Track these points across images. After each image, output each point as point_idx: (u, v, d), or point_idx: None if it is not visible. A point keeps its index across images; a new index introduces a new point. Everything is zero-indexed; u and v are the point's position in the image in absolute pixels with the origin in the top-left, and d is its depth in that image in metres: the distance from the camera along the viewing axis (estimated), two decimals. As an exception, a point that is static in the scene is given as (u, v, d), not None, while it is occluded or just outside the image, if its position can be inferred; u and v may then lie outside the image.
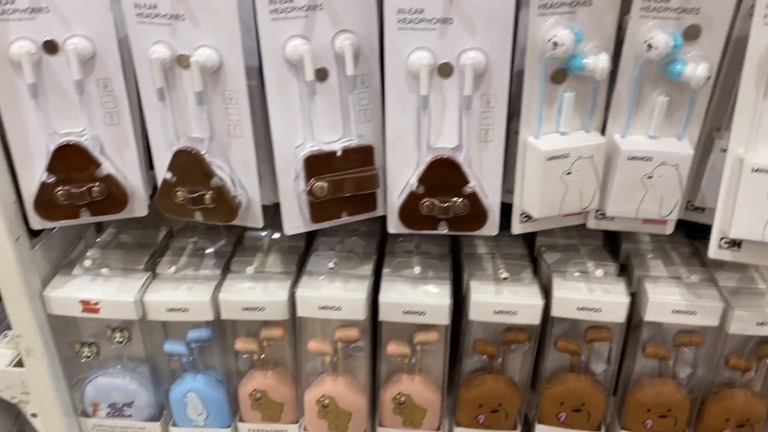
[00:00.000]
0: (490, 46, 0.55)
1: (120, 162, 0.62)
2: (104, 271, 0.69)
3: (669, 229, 0.63)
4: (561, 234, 0.75)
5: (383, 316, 0.66)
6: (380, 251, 0.73)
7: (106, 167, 0.61)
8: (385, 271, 0.69)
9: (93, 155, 0.61)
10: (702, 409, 0.71)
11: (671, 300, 0.65)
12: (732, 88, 0.57)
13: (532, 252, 0.74)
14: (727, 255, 0.59)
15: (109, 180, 0.62)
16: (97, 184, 0.61)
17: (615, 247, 0.74)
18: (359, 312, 0.66)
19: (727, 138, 0.56)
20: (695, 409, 0.71)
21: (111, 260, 0.71)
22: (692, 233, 0.74)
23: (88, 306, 0.67)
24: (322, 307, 0.66)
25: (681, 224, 0.66)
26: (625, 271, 0.71)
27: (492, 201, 0.62)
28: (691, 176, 0.62)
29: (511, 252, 0.72)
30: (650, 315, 0.66)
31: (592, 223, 0.64)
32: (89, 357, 0.71)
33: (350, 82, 0.58)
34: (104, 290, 0.67)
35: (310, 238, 0.75)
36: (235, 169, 0.61)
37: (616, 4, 0.54)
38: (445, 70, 0.56)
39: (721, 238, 0.58)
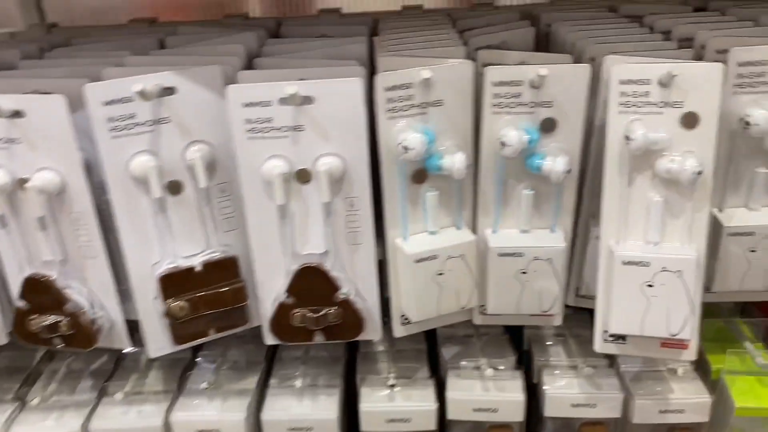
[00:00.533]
0: (345, 150, 0.53)
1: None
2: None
3: (557, 321, 0.60)
4: (460, 323, 0.72)
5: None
6: (271, 358, 0.69)
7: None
8: (272, 381, 0.65)
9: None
10: (619, 502, 0.67)
11: (570, 394, 0.62)
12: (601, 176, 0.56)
13: (434, 344, 0.70)
14: (613, 349, 0.56)
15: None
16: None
17: (518, 333, 0.71)
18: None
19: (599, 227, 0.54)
20: (612, 503, 0.67)
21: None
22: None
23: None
24: (200, 431, 0.61)
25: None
26: (527, 356, 0.68)
27: (371, 304, 0.58)
28: (576, 263, 0.60)
29: (408, 348, 0.69)
30: (549, 411, 0.63)
31: (477, 319, 0.61)
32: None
33: (205, 194, 0.55)
34: (-38, 428, 0.62)
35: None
36: (93, 290, 0.57)
37: (469, 102, 0.53)
38: (303, 176, 0.54)
39: (605, 331, 0.55)
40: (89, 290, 0.57)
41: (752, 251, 0.56)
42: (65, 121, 0.51)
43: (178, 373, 0.67)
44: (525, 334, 0.71)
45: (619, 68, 0.50)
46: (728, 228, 0.55)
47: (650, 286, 0.51)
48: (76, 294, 0.57)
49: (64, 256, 0.56)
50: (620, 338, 0.55)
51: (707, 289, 0.59)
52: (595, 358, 0.65)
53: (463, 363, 0.65)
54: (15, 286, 0.58)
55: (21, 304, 0.57)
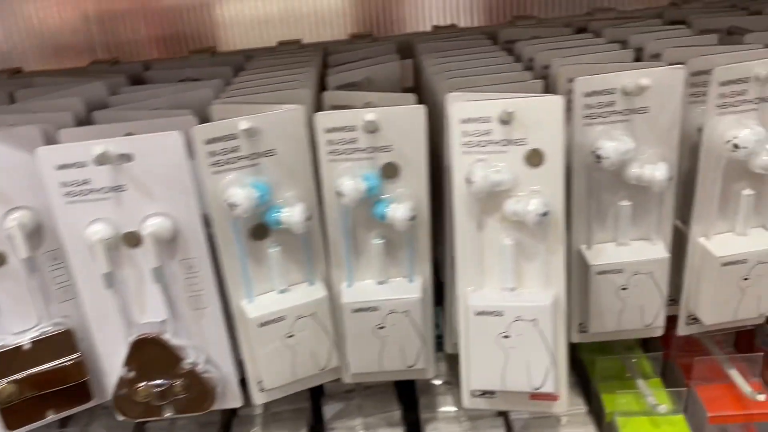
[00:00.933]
0: (174, 208, 0.49)
1: None
2: None
3: (428, 374, 0.56)
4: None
5: None
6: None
7: None
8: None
9: None
10: None
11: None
12: (457, 218, 0.52)
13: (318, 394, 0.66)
14: (482, 404, 0.52)
15: None
16: None
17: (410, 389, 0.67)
18: None
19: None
20: None
21: None
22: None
23: None
24: None
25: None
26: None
27: (226, 371, 0.54)
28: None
29: (287, 409, 0.64)
30: (433, 469, 0.59)
31: (347, 377, 0.56)
32: None
33: (31, 264, 0.51)
34: None
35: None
36: None
37: (306, 150, 0.49)
38: (131, 240, 0.49)
39: (471, 390, 0.51)
40: None
41: (624, 289, 0.53)
42: None
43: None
44: (416, 383, 0.67)
45: (458, 107, 0.47)
46: (595, 266, 0.52)
47: (506, 336, 0.48)
48: None
49: None
50: (488, 392, 0.51)
51: (585, 329, 0.56)
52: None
53: (342, 423, 0.61)
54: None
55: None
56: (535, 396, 0.51)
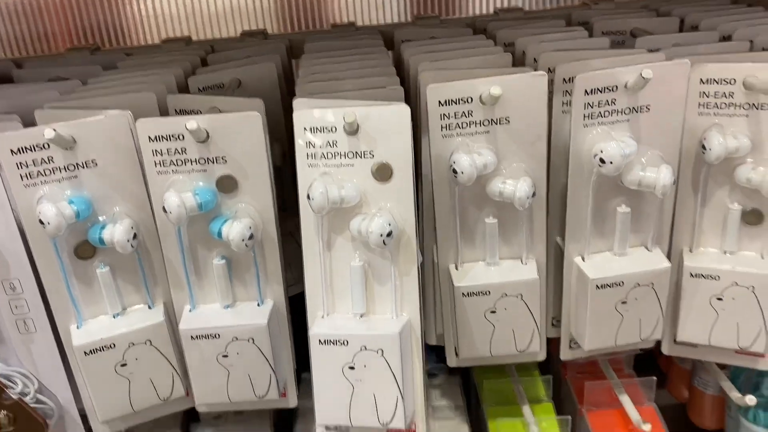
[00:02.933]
0: (-14, 225, 0.44)
1: None
2: None
3: (291, 403, 0.51)
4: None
5: None
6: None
7: None
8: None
9: None
10: None
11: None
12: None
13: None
14: (337, 437, 0.48)
15: None
16: None
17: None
18: None
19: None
20: None
21: None
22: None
23: None
24: None
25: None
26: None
27: (63, 401, 0.49)
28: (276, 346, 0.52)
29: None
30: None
31: (201, 407, 0.52)
32: None
33: None
34: None
35: None
36: None
37: (133, 161, 0.44)
38: (-59, 259, 0.45)
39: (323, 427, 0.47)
40: None
41: (492, 312, 0.48)
42: None
43: None
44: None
45: (301, 114, 0.43)
46: (461, 287, 0.48)
47: (351, 368, 0.44)
48: None
49: None
50: (340, 428, 0.47)
51: (458, 353, 0.52)
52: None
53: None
54: None
55: None
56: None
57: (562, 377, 0.64)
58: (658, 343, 0.54)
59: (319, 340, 0.44)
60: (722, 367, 0.59)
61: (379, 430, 0.45)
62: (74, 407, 0.50)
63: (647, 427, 0.53)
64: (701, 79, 0.46)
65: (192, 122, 0.41)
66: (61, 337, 0.47)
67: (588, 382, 0.58)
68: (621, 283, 0.48)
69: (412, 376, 0.45)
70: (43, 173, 0.43)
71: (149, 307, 0.48)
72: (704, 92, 0.47)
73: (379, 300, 0.45)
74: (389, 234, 0.42)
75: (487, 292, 0.48)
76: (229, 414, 0.60)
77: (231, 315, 0.47)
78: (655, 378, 0.59)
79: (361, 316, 0.45)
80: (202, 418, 0.61)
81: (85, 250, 0.45)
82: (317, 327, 0.44)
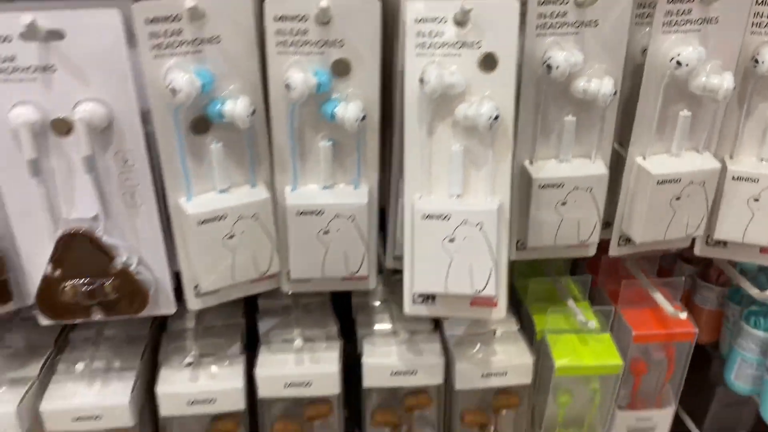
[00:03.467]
0: (109, 95, 0.46)
1: None
2: None
3: (370, 284, 0.56)
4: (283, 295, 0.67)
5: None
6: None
7: None
8: (59, 367, 0.57)
9: None
10: (450, 472, 0.65)
11: (389, 362, 0.58)
12: (405, 125, 0.51)
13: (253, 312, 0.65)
14: (423, 310, 0.52)
15: None
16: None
17: (347, 302, 0.67)
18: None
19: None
20: (442, 474, 0.64)
21: None
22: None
23: None
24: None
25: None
26: (349, 332, 0.63)
27: (158, 275, 0.52)
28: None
29: (219, 324, 0.62)
30: (369, 381, 0.59)
31: (285, 286, 0.56)
32: None
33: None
34: None
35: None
36: None
37: (252, 40, 0.47)
38: (60, 127, 0.46)
39: (414, 294, 0.52)
40: None
41: (563, 204, 0.54)
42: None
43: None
44: (352, 302, 0.66)
45: (413, 6, 0.46)
46: (537, 180, 0.53)
47: (452, 240, 0.48)
48: None
49: None
50: (430, 299, 0.52)
51: (523, 246, 0.57)
52: (419, 323, 0.61)
53: (278, 336, 0.60)
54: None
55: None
56: (475, 302, 0.51)
57: (592, 283, 0.70)
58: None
59: (423, 215, 0.48)
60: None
61: (469, 297, 0.50)
62: (168, 281, 0.52)
63: (683, 314, 0.60)
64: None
65: (324, 1, 0.44)
66: (164, 213, 0.50)
67: (625, 281, 0.65)
68: (678, 180, 0.53)
69: (501, 252, 0.49)
70: (172, 45, 0.45)
71: (252, 186, 0.51)
72: (757, 12, 0.53)
73: (473, 183, 0.49)
74: (496, 117, 0.46)
75: (561, 185, 0.53)
76: (294, 305, 0.64)
77: (332, 195, 0.51)
78: (683, 278, 0.66)
79: (458, 197, 0.49)
80: (265, 309, 0.64)
81: (201, 125, 0.48)
82: (421, 204, 0.48)
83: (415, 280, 0.49)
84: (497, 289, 0.49)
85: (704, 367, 0.86)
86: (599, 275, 0.70)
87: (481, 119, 0.46)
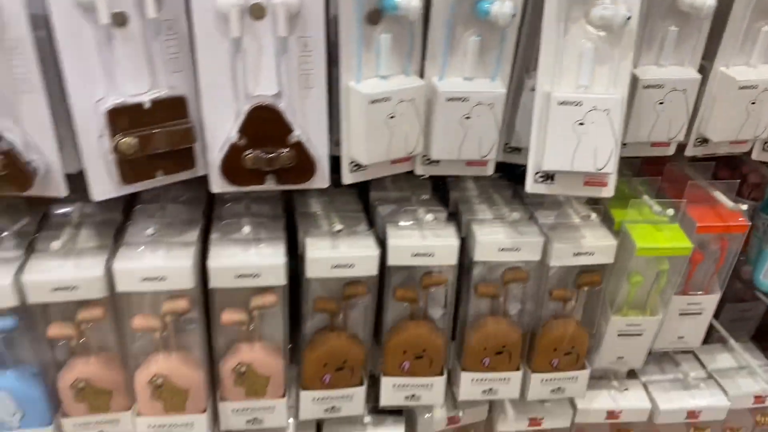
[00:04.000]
0: (302, -15, 0.53)
1: None
2: None
3: (489, 170, 0.65)
4: (393, 188, 0.76)
5: (214, 282, 0.63)
6: (207, 217, 0.69)
7: None
8: (213, 236, 0.65)
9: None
10: (533, 342, 0.75)
11: (497, 239, 0.68)
12: (537, 27, 0.60)
13: (367, 208, 0.73)
14: (542, 188, 0.62)
15: None
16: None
17: (444, 198, 0.76)
18: (186, 281, 0.61)
19: (535, 78, 0.59)
20: (527, 342, 0.75)
21: None
22: (512, 178, 0.78)
23: None
24: (145, 279, 0.60)
25: (503, 170, 0.69)
26: (454, 218, 0.72)
27: (320, 152, 0.60)
28: (506, 117, 0.65)
29: (346, 208, 0.71)
30: (479, 255, 0.68)
31: (419, 169, 0.64)
32: None
33: (153, 27, 0.53)
34: None
35: (127, 209, 0.69)
36: (27, 130, 0.54)
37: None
38: (257, 12, 0.53)
39: (536, 173, 0.61)
40: (22, 130, 0.54)
41: (660, 103, 0.63)
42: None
43: (111, 232, 0.65)
44: (451, 197, 0.75)
45: None
46: (643, 80, 0.62)
47: (581, 124, 0.57)
48: (7, 132, 0.53)
49: (-7, 91, 0.52)
50: (549, 178, 0.61)
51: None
52: (516, 213, 0.71)
53: (401, 216, 0.68)
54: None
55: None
56: (589, 181, 0.61)
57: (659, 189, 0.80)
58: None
59: (558, 102, 0.57)
60: None
61: (584, 176, 0.60)
62: (327, 157, 0.60)
63: (744, 205, 0.71)
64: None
65: None
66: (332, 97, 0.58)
67: (690, 182, 0.75)
68: (755, 86, 0.63)
69: (618, 138, 0.59)
70: (364, -58, 0.52)
71: (406, 75, 0.59)
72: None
73: (597, 78, 0.58)
74: (629, 18, 0.55)
75: (662, 86, 0.62)
76: (409, 193, 0.73)
77: (474, 85, 0.59)
78: (738, 180, 0.76)
79: (585, 88, 0.58)
80: (378, 198, 0.73)
81: (375, 16, 0.56)
82: (557, 92, 0.57)
83: (545, 159, 0.59)
84: (614, 167, 0.59)
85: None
86: (662, 182, 0.80)
87: (616, 19, 0.54)
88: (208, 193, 0.63)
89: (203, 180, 0.60)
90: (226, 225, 0.66)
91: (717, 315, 0.98)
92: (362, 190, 0.74)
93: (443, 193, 0.76)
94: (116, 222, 0.67)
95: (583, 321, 0.76)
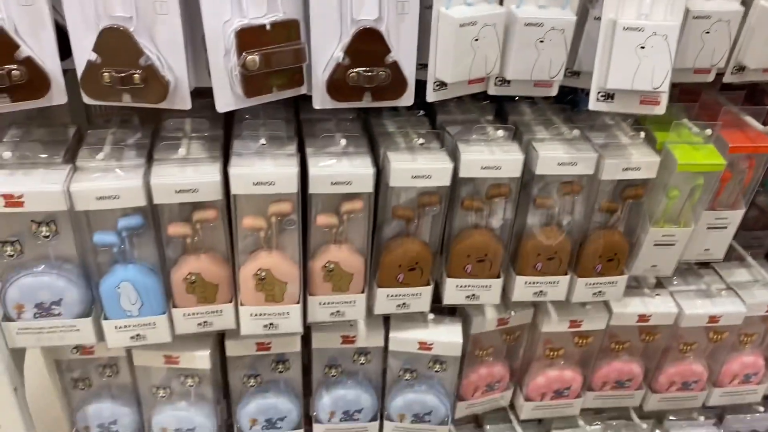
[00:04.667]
0: None
1: (36, 45, 0.61)
2: (23, 164, 0.67)
3: (554, 90, 0.73)
4: (457, 111, 0.84)
5: (313, 188, 0.72)
6: (299, 136, 0.77)
7: (25, 50, 0.60)
8: (309, 149, 0.74)
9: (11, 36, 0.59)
10: (580, 249, 0.85)
11: (556, 154, 0.77)
12: (602, -37, 0.67)
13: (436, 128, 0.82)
14: (603, 106, 0.70)
15: (29, 63, 0.60)
16: (16, 67, 0.59)
17: (503, 122, 0.84)
18: (292, 186, 0.70)
19: (599, 8, 0.67)
20: (575, 250, 0.84)
21: (26, 155, 0.68)
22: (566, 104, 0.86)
23: (10, 200, 0.65)
24: (256, 183, 0.69)
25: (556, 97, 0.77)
26: (515, 139, 0.81)
27: (408, 73, 0.68)
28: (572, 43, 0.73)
29: (418, 129, 0.79)
30: (541, 169, 0.77)
31: (492, 90, 0.72)
32: (12, 256, 0.69)
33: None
34: (26, 183, 0.66)
35: (227, 128, 0.77)
36: (161, 48, 0.62)
37: None
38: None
39: (598, 93, 0.69)
40: (157, 48, 0.62)
41: (707, 33, 0.71)
42: None
43: (218, 146, 0.73)
44: (509, 120, 0.84)
45: None
46: (693, 11, 0.70)
47: (642, 48, 0.65)
48: (147, 50, 0.61)
49: (136, 12, 0.60)
50: (609, 97, 0.69)
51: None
52: (574, 131, 0.79)
53: (470, 135, 0.77)
54: (80, 44, 0.61)
55: (93, 57, 0.61)
56: (644, 100, 0.69)
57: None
58: None
59: (624, 28, 0.65)
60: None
61: (641, 95, 0.69)
62: (413, 74, 0.69)
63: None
64: None
65: None
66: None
67: (724, 107, 0.84)
68: (792, 18, 0.72)
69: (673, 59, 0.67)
70: None
71: (488, 3, 0.67)
72: None
73: (656, 7, 0.66)
74: (689, -47, 0.62)
75: (708, 17, 0.70)
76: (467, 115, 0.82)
77: (548, 12, 0.67)
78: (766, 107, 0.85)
79: (646, 16, 0.66)
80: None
81: (465, -51, 0.63)
82: (622, 19, 0.65)
83: (609, 78, 0.67)
84: (668, 87, 0.67)
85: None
86: (698, 108, 0.88)
87: (679, -47, 0.62)
88: (296, 116, 0.71)
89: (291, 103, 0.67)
90: (320, 140, 0.74)
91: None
92: (429, 115, 0.83)
93: (502, 118, 0.84)
94: (220, 137, 0.75)
95: (624, 232, 0.85)
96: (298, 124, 0.79)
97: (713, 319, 0.95)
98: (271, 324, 0.77)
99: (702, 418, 1.10)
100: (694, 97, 0.90)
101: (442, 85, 0.69)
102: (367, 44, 0.64)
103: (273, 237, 0.74)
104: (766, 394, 1.09)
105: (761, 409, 1.11)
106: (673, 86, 0.81)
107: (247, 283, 0.75)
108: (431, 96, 0.70)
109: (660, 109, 0.70)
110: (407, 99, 0.69)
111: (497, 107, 0.86)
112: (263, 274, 0.74)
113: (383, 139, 0.77)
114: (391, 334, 0.87)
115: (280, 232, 0.74)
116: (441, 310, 0.89)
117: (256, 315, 0.77)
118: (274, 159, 0.71)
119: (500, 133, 0.76)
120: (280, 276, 0.75)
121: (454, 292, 0.84)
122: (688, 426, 1.09)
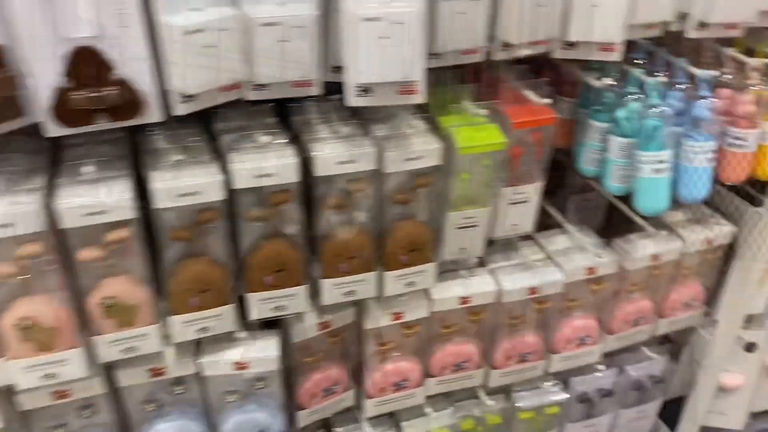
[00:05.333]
0: None
1: None
2: None
3: (316, 90, 0.70)
4: (237, 117, 0.80)
5: (65, 223, 0.66)
6: (55, 163, 0.71)
7: None
8: (59, 180, 0.68)
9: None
10: (383, 244, 0.83)
11: (334, 154, 0.74)
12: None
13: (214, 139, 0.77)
14: (363, 101, 0.68)
15: None
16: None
17: (288, 124, 0.81)
18: (33, 225, 0.64)
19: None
20: (378, 246, 0.83)
21: None
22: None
23: None
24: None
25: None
26: (298, 140, 0.78)
27: (146, 87, 0.63)
28: (328, 39, 0.70)
29: (187, 142, 0.75)
30: (320, 170, 0.74)
31: (251, 95, 0.69)
32: None
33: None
34: None
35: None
36: None
37: None
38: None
39: (354, 87, 0.67)
40: None
41: (461, 14, 0.71)
42: None
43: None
44: (293, 121, 0.81)
45: None
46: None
47: (386, 38, 0.63)
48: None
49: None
50: (367, 91, 0.67)
51: (435, 54, 0.73)
52: (348, 128, 0.77)
53: (242, 142, 0.73)
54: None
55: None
56: (402, 91, 0.68)
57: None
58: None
59: (362, 18, 0.62)
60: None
61: (395, 92, 0.67)
62: (156, 91, 0.64)
63: (548, 100, 0.80)
64: None
65: None
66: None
67: (503, 84, 0.84)
68: (541, -7, 0.72)
69: (421, 48, 0.65)
70: None
71: (218, 7, 0.63)
72: None
73: (396, -6, 0.64)
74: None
75: (458, -2, 0.69)
76: (252, 121, 0.78)
77: (287, 9, 0.64)
78: (546, 78, 0.86)
79: (385, 4, 0.64)
80: (222, 129, 0.77)
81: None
82: (359, 10, 0.62)
83: (361, 73, 0.65)
84: (420, 75, 0.66)
85: (561, 172, 1.10)
86: (482, 87, 0.88)
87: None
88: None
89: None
90: (70, 166, 0.68)
91: (563, 207, 1.11)
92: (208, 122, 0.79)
93: (287, 119, 0.81)
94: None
95: (430, 221, 0.84)
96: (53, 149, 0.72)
97: (533, 290, 0.97)
98: (47, 375, 0.71)
99: (547, 384, 1.12)
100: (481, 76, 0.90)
101: (189, 97, 0.65)
102: (87, 64, 0.59)
103: (30, 281, 0.67)
104: (605, 352, 1.13)
105: (602, 367, 1.15)
106: (459, 67, 0.82)
107: (11, 335, 0.68)
108: (179, 109, 0.65)
109: (419, 98, 0.69)
110: (153, 116, 0.64)
111: (281, 109, 0.82)
112: (27, 323, 0.68)
113: (148, 157, 0.72)
114: (203, 359, 0.83)
115: (39, 273, 0.68)
116: (266, 322, 0.85)
117: (29, 367, 0.70)
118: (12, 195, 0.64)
119: (265, 139, 0.72)
120: (47, 322, 0.68)
121: (258, 305, 0.80)
122: (536, 395, 1.11)
